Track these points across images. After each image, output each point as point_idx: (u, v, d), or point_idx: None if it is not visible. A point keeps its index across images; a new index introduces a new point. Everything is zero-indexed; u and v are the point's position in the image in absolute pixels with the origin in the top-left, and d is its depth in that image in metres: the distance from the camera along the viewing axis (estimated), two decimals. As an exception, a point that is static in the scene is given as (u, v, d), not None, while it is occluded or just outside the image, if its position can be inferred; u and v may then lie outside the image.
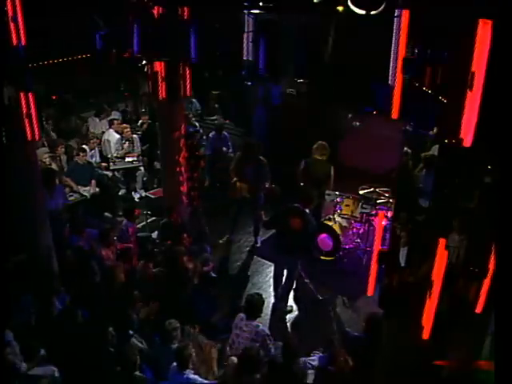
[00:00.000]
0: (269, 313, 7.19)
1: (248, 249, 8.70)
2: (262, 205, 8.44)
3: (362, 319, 5.55)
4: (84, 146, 9.91)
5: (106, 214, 8.56)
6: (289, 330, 6.98)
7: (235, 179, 8.20)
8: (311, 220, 6.73)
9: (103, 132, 10.94)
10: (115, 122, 10.86)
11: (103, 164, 10.30)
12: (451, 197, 3.62)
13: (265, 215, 8.17)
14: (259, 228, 8.62)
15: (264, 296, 7.47)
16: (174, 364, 5.05)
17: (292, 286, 7.10)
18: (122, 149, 10.34)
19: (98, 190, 9.27)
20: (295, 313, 7.25)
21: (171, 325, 5.44)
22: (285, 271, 7.07)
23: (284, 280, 7.10)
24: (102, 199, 8.92)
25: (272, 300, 7.40)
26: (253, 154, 8.18)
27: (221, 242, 8.76)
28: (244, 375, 4.92)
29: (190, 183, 8.80)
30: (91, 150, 10.22)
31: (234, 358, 5.32)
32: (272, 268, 8.02)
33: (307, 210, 6.72)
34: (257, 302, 5.70)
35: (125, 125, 10.83)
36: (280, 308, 7.14)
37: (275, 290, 7.26)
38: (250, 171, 8.16)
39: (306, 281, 7.49)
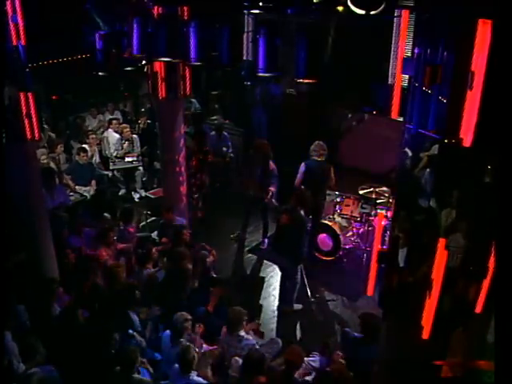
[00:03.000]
0: (269, 313, 7.21)
1: (248, 249, 8.71)
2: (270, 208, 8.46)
3: (360, 319, 5.56)
4: (85, 146, 9.93)
5: (105, 214, 8.55)
6: (289, 331, 6.99)
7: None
8: (300, 216, 6.73)
9: (102, 130, 10.97)
10: (113, 121, 10.87)
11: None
12: (451, 197, 3.62)
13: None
14: (268, 230, 8.63)
15: (264, 296, 7.53)
16: (176, 365, 5.04)
17: (293, 286, 7.09)
18: (122, 149, 10.35)
19: (96, 189, 9.28)
20: (295, 313, 7.24)
21: (182, 316, 5.44)
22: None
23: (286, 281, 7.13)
24: (100, 200, 8.92)
25: (272, 300, 7.40)
26: (262, 153, 8.18)
27: (232, 236, 8.83)
28: (248, 378, 4.93)
29: (195, 179, 8.94)
30: (91, 146, 10.27)
31: (238, 359, 5.32)
32: (272, 268, 8.05)
33: (302, 212, 6.75)
34: (235, 316, 5.61)
35: (124, 125, 10.85)
36: (284, 309, 7.15)
37: (280, 291, 7.29)
38: (258, 171, 8.19)
39: (305, 281, 7.51)
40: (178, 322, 5.41)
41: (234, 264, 8.35)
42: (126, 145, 10.34)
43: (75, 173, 9.28)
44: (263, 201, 8.31)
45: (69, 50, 6.41)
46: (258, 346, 5.58)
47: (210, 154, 9.42)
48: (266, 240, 8.67)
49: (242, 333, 5.60)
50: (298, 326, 7.02)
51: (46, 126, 10.42)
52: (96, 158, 10.32)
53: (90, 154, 10.01)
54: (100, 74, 6.42)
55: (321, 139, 8.07)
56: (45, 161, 9.06)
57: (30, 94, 5.71)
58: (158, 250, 7.20)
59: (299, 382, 5.12)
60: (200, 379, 5.01)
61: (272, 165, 8.18)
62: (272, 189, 8.11)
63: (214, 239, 8.43)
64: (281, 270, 7.28)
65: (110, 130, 10.71)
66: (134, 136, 10.59)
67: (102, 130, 11.15)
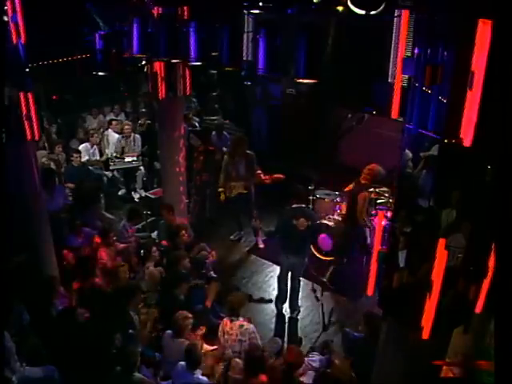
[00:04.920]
0: (269, 313, 7.21)
1: (248, 249, 8.71)
2: (254, 202, 8.46)
3: (362, 319, 5.56)
4: (79, 148, 9.92)
5: (104, 213, 8.53)
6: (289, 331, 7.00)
7: (221, 185, 8.31)
8: (313, 214, 6.80)
9: (102, 130, 10.97)
10: (113, 122, 10.86)
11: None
12: (451, 197, 3.62)
13: (261, 222, 8.23)
14: (257, 227, 8.62)
15: (264, 296, 7.52)
16: (181, 363, 5.05)
17: (299, 285, 7.10)
18: (122, 148, 10.32)
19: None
20: (295, 312, 7.24)
21: (182, 314, 5.44)
22: (289, 272, 7.07)
23: (291, 281, 7.11)
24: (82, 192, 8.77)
25: (272, 300, 7.40)
26: (241, 148, 8.22)
27: (232, 237, 8.81)
28: (250, 376, 4.93)
29: (196, 180, 8.97)
30: (92, 146, 10.32)
31: (239, 360, 5.33)
32: (272, 268, 8.04)
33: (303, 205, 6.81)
34: (235, 301, 5.78)
35: (126, 122, 10.84)
36: (292, 310, 7.15)
37: (279, 291, 7.23)
38: (241, 167, 8.20)
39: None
40: (178, 320, 5.42)
41: (234, 264, 8.35)
42: (124, 142, 10.31)
43: (72, 175, 9.20)
44: (249, 198, 8.36)
45: (69, 50, 6.40)
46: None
47: (216, 153, 9.47)
48: (260, 239, 8.68)
49: (241, 319, 5.71)
50: (298, 326, 7.03)
51: (46, 126, 10.41)
52: (96, 157, 10.33)
53: (96, 151, 10.12)
54: (100, 73, 6.42)
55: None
56: (45, 162, 9.04)
57: (29, 94, 5.71)
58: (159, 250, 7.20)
59: (299, 381, 5.13)
60: (204, 378, 5.03)
61: (250, 153, 8.26)
62: (259, 171, 8.18)
63: (215, 239, 8.45)
64: (290, 270, 7.15)
65: (109, 130, 10.72)
66: (136, 135, 10.58)
67: (102, 129, 11.15)
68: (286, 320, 7.12)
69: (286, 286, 7.14)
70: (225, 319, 5.79)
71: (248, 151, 8.26)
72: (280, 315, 7.17)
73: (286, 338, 6.72)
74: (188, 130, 9.75)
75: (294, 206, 6.79)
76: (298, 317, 7.14)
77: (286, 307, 7.24)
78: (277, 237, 7.29)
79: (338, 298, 7.41)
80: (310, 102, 10.68)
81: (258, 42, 5.22)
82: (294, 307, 7.15)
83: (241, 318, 5.74)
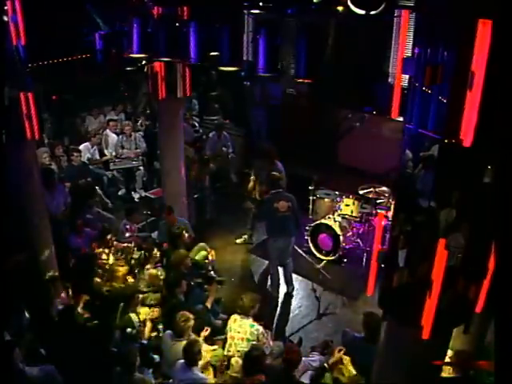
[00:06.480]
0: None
1: (248, 249, 8.70)
2: None
3: (362, 319, 5.57)
4: (80, 147, 9.92)
5: (103, 212, 8.53)
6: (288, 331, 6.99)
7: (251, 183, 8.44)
8: (292, 197, 7.13)
9: (101, 130, 10.98)
10: (111, 123, 10.85)
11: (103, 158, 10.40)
12: (451, 197, 3.62)
13: None
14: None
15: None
16: (181, 361, 5.05)
17: (291, 263, 7.37)
18: (122, 148, 10.31)
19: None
20: (295, 312, 7.24)
21: (184, 315, 5.43)
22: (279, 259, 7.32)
23: (283, 262, 7.38)
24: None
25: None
26: (270, 158, 8.29)
27: (238, 241, 8.79)
28: (248, 375, 4.94)
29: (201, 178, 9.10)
30: (93, 146, 10.36)
31: (238, 359, 5.33)
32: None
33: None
34: (247, 302, 5.77)
35: (126, 122, 10.84)
36: (287, 284, 7.46)
37: (271, 277, 7.46)
38: (264, 175, 8.19)
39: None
40: (179, 321, 5.41)
41: (234, 264, 8.35)
42: (125, 141, 10.30)
43: (72, 174, 9.20)
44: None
45: (69, 50, 6.41)
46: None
47: (210, 162, 9.48)
48: None
49: (251, 319, 5.69)
50: (298, 326, 7.03)
51: (48, 126, 10.42)
52: (96, 156, 10.35)
53: (96, 151, 10.14)
54: (100, 74, 6.42)
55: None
56: (46, 159, 9.03)
57: (30, 94, 5.72)
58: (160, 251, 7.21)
59: (299, 381, 5.13)
60: (203, 375, 5.03)
61: (278, 164, 8.30)
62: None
63: (215, 239, 8.45)
64: (279, 254, 7.36)
65: (107, 130, 10.70)
66: (137, 134, 10.57)
67: (101, 130, 11.15)
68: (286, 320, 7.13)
69: (278, 272, 7.44)
70: (234, 315, 5.76)
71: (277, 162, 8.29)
72: (281, 314, 7.19)
73: (285, 338, 6.73)
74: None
75: (273, 192, 7.21)
76: (298, 317, 7.14)
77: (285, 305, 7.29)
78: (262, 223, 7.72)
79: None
80: (310, 102, 10.67)
81: (257, 42, 5.22)
82: (289, 282, 7.45)
83: (251, 318, 5.71)
